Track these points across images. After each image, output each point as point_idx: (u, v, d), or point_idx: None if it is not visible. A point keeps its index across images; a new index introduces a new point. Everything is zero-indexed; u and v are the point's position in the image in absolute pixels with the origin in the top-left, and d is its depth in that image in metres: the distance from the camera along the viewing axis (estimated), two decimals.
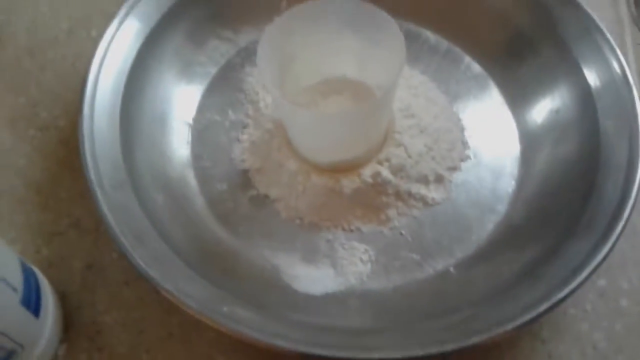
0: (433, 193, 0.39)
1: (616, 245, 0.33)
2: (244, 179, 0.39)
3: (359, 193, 0.37)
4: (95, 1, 0.47)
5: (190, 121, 0.41)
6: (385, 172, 0.37)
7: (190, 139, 0.41)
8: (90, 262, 0.36)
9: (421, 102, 0.41)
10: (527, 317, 0.31)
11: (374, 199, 0.38)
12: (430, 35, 0.44)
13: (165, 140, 0.39)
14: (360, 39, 0.36)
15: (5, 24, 0.46)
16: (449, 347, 0.30)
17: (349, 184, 0.37)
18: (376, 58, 0.37)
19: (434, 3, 0.44)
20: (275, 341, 0.30)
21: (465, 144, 0.41)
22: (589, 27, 0.39)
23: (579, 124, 0.38)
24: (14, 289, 0.29)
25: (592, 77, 0.38)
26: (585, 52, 0.39)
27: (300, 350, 0.30)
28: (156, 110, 0.40)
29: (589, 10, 0.40)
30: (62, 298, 0.35)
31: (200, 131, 0.41)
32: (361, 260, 0.36)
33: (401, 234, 0.37)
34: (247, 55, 0.44)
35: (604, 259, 0.32)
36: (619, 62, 0.38)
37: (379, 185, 0.37)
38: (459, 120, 0.41)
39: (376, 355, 0.29)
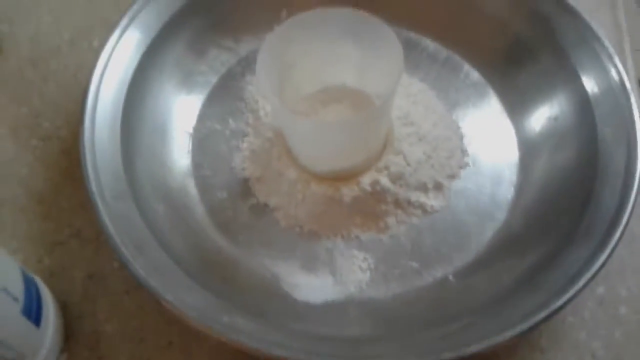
0: (432, 201, 0.39)
1: (615, 252, 0.33)
2: (244, 188, 0.40)
3: (358, 201, 0.37)
4: (97, 11, 0.48)
5: (191, 130, 0.42)
6: (384, 180, 0.37)
7: (190, 148, 0.41)
8: (91, 272, 0.37)
9: (420, 110, 0.41)
10: (526, 325, 0.31)
11: (373, 207, 0.38)
12: (429, 44, 0.45)
13: (165, 150, 0.40)
14: (359, 48, 0.37)
15: (8, 34, 0.46)
16: (447, 356, 0.30)
17: (348, 192, 0.37)
18: (375, 67, 0.37)
19: (433, 11, 0.44)
20: (275, 351, 0.30)
21: (464, 152, 0.41)
22: (587, 35, 0.39)
23: (577, 131, 0.38)
24: (15, 299, 0.29)
25: (590, 85, 0.38)
26: (583, 59, 0.39)
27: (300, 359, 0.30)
28: (157, 120, 0.40)
29: (587, 18, 0.40)
30: (63, 307, 0.35)
31: (201, 140, 0.41)
32: (360, 268, 0.37)
33: (400, 242, 0.38)
34: (248, 64, 0.44)
35: (602, 266, 0.32)
36: (617, 70, 0.38)
37: (378, 194, 0.38)
38: (458, 128, 0.42)
39: None
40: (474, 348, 0.30)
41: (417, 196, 0.38)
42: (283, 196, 0.39)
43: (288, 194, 0.38)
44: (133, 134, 0.38)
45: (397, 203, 0.38)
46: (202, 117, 0.42)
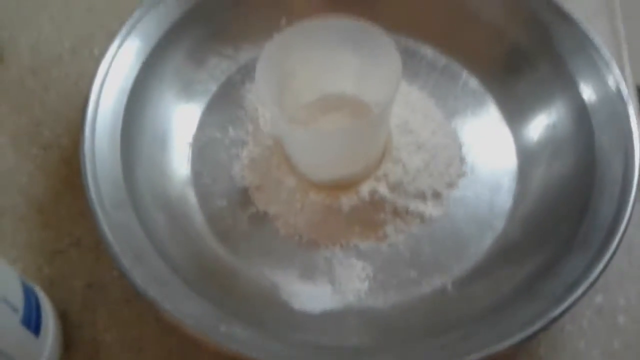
0: (430, 209, 0.39)
1: (613, 261, 0.33)
2: (244, 196, 0.40)
3: (356, 210, 0.38)
4: (98, 20, 0.48)
5: (191, 139, 0.42)
6: (383, 189, 0.38)
7: (190, 156, 0.41)
8: (91, 281, 0.37)
9: (419, 119, 0.41)
10: (524, 334, 0.31)
11: (371, 216, 0.38)
12: (428, 51, 0.45)
13: (165, 159, 0.40)
14: (358, 56, 0.37)
15: (9, 43, 0.47)
16: None
17: (347, 201, 0.38)
18: (374, 75, 0.37)
19: (431, 19, 0.45)
20: None
21: (462, 160, 0.41)
22: (585, 43, 0.40)
23: (575, 139, 0.38)
24: (15, 309, 0.30)
25: (587, 93, 0.38)
26: (581, 67, 0.39)
27: None
28: (157, 129, 0.40)
29: (585, 26, 0.40)
30: (63, 316, 0.35)
31: (201, 148, 0.41)
32: (359, 277, 0.37)
33: (399, 250, 0.38)
34: (248, 72, 0.44)
35: (600, 275, 0.32)
36: (614, 78, 0.38)
37: (376, 202, 0.38)
38: (457, 136, 0.42)
39: None
40: (473, 357, 0.30)
41: (415, 205, 0.38)
42: (282, 205, 0.39)
43: (287, 203, 0.39)
44: (133, 143, 0.38)
45: (396, 212, 0.38)
46: (202, 126, 0.42)
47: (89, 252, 0.38)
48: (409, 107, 0.41)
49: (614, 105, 0.37)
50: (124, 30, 0.40)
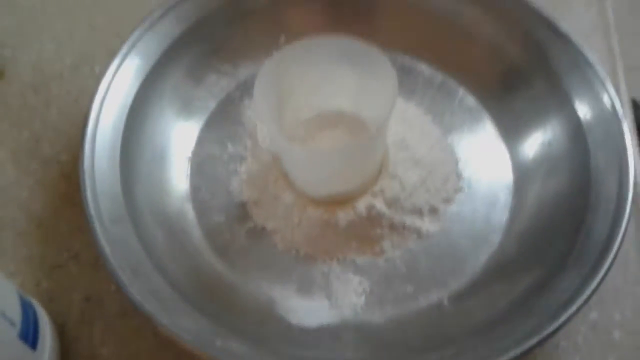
0: (427, 225, 0.39)
1: (608, 277, 0.33)
2: (242, 211, 0.40)
3: (353, 225, 0.38)
4: (99, 38, 0.48)
5: (190, 154, 0.42)
6: (380, 205, 0.38)
7: (189, 171, 0.41)
8: (89, 295, 0.37)
9: (415, 135, 0.41)
10: (519, 350, 0.31)
11: (368, 231, 0.38)
12: (424, 68, 0.45)
13: (164, 175, 0.40)
14: (355, 74, 0.37)
15: (11, 59, 0.47)
16: None
17: (344, 216, 0.38)
18: (371, 93, 0.37)
19: (428, 37, 0.45)
20: None
21: (459, 176, 0.41)
22: (580, 61, 0.40)
23: (570, 157, 0.38)
24: (12, 323, 0.30)
25: (582, 111, 0.39)
26: (576, 85, 0.40)
27: None
28: (156, 146, 0.40)
29: (580, 44, 0.40)
30: (60, 330, 0.35)
31: (200, 164, 0.42)
32: (356, 292, 0.37)
33: (396, 265, 0.38)
34: (247, 88, 0.45)
35: (594, 292, 0.32)
36: (609, 96, 0.38)
37: (373, 218, 0.38)
38: (453, 152, 0.42)
39: None
40: None
41: (412, 220, 0.39)
42: (280, 220, 0.39)
43: (285, 218, 0.39)
44: (132, 159, 0.38)
45: (393, 227, 0.38)
46: (200, 141, 0.43)
47: (88, 266, 0.38)
48: (406, 123, 0.42)
49: (609, 123, 0.38)
50: (124, 49, 0.40)
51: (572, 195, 0.37)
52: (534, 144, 0.41)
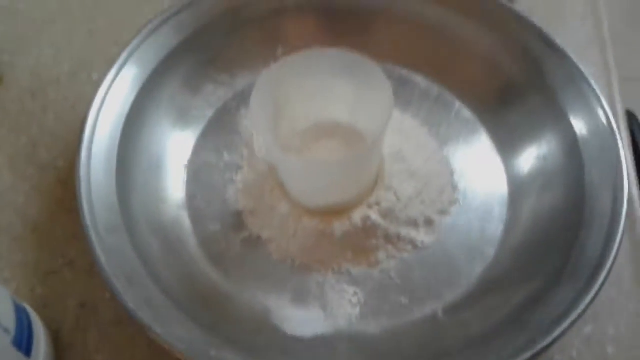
0: (422, 236, 0.39)
1: (603, 291, 0.33)
2: (237, 220, 0.40)
3: (349, 236, 0.38)
4: (97, 44, 0.49)
5: (186, 162, 0.42)
6: (375, 216, 0.38)
7: (185, 179, 0.41)
8: (84, 302, 0.37)
9: (412, 147, 0.42)
10: None
11: (363, 242, 0.38)
12: (421, 81, 0.46)
13: (160, 183, 0.40)
14: (351, 86, 0.38)
15: (9, 65, 0.47)
16: None
17: (339, 226, 0.38)
18: (366, 105, 0.38)
19: (425, 50, 0.45)
20: None
21: (454, 188, 0.41)
22: (575, 76, 0.40)
23: (565, 171, 0.39)
24: (6, 330, 0.30)
25: (578, 126, 0.39)
26: (571, 100, 0.40)
27: None
28: (152, 154, 0.41)
29: (575, 59, 0.41)
30: (55, 336, 0.35)
31: (196, 172, 0.42)
32: (351, 302, 0.37)
33: (390, 276, 0.38)
34: (244, 98, 0.45)
35: (588, 306, 0.33)
36: (604, 111, 0.39)
37: (368, 229, 0.38)
38: (449, 164, 0.42)
39: None
40: None
41: (407, 231, 0.39)
42: (275, 229, 0.39)
43: (280, 227, 0.39)
44: (129, 167, 0.38)
45: (388, 238, 0.38)
46: (197, 150, 0.43)
47: (83, 273, 0.38)
48: (403, 135, 0.42)
49: (604, 139, 0.38)
50: (122, 57, 0.40)
51: (566, 210, 0.37)
52: (529, 157, 0.41)
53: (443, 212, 0.40)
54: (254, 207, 0.40)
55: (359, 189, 0.38)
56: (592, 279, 0.33)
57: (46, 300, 0.37)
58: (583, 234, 0.35)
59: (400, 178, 0.40)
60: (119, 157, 0.38)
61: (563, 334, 0.32)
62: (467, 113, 0.44)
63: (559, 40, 0.42)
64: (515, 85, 0.43)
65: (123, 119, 0.39)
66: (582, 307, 0.33)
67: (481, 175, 0.42)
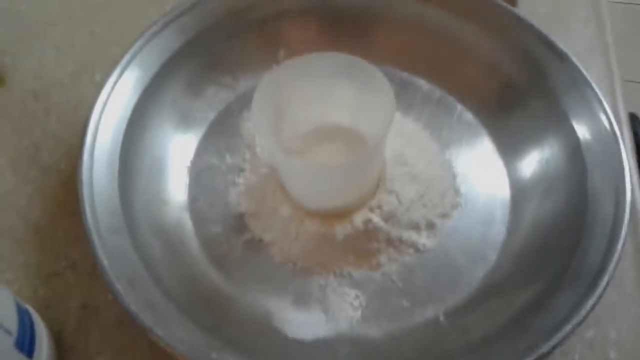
0: (424, 239, 0.39)
1: (605, 296, 0.33)
2: (239, 223, 0.40)
3: (350, 239, 0.38)
4: (100, 46, 0.49)
5: (189, 165, 0.42)
6: (377, 219, 0.38)
7: (188, 182, 0.41)
8: (86, 303, 0.37)
9: (414, 150, 0.42)
10: None
11: (365, 245, 0.38)
12: (423, 84, 0.46)
13: (163, 185, 0.40)
14: (353, 89, 0.38)
15: (12, 67, 0.47)
16: None
17: (341, 229, 0.38)
18: (368, 109, 0.38)
19: (427, 53, 0.45)
20: None
21: (456, 191, 0.41)
22: (578, 80, 0.40)
23: (567, 176, 0.39)
24: (8, 332, 0.30)
25: (580, 131, 0.39)
26: (574, 104, 0.40)
27: None
28: (155, 155, 0.41)
29: (578, 62, 0.41)
30: (57, 338, 0.35)
31: (198, 175, 0.42)
32: (352, 305, 0.37)
33: (392, 280, 0.38)
34: (246, 101, 0.45)
35: (590, 311, 0.33)
36: (607, 116, 0.38)
37: (370, 232, 0.38)
38: (451, 167, 0.42)
39: None
40: None
41: (409, 235, 0.39)
42: (277, 232, 0.39)
43: (282, 230, 0.39)
44: (131, 169, 0.38)
45: (389, 241, 0.38)
46: (199, 152, 0.43)
47: (85, 274, 0.38)
48: (405, 138, 0.42)
49: (607, 143, 0.38)
50: (124, 59, 0.41)
51: (568, 214, 0.37)
52: (531, 161, 0.41)
53: (445, 215, 0.40)
54: (256, 210, 0.40)
55: (360, 192, 0.38)
56: (593, 283, 0.33)
57: (48, 302, 0.37)
58: (585, 238, 0.35)
59: (402, 181, 0.40)
60: (121, 160, 0.38)
61: (565, 338, 0.32)
62: (469, 116, 0.44)
63: (561, 44, 0.42)
64: (517, 89, 0.43)
65: (125, 122, 0.39)
66: (583, 311, 0.33)
67: (483, 178, 0.42)
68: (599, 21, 0.51)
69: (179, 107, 0.43)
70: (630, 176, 0.36)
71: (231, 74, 0.45)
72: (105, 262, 0.33)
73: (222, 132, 0.44)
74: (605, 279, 0.33)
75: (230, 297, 0.37)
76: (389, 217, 0.38)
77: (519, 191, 0.41)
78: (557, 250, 0.36)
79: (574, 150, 0.39)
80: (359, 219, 0.38)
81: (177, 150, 0.42)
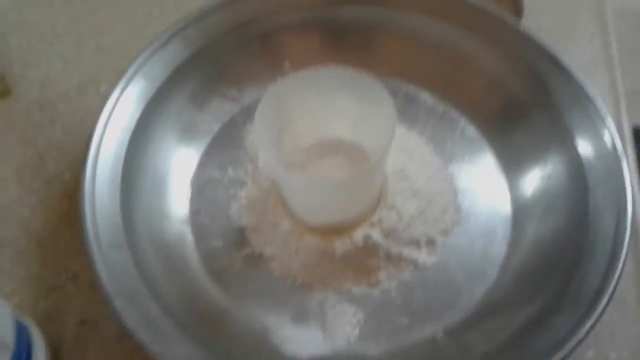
0: (424, 256, 0.39)
1: (605, 315, 0.33)
2: (240, 237, 0.40)
3: (350, 255, 0.38)
4: (106, 58, 0.49)
5: (191, 177, 0.42)
6: (376, 235, 0.38)
7: (190, 194, 0.42)
8: (84, 317, 0.37)
9: (416, 165, 0.41)
10: None
11: (365, 261, 0.38)
12: (427, 98, 0.45)
13: (165, 198, 0.40)
14: (355, 103, 0.37)
15: (20, 77, 0.48)
16: None
17: (340, 245, 0.38)
18: (370, 124, 0.38)
19: (432, 67, 0.45)
20: None
21: (458, 207, 0.41)
22: (581, 96, 0.40)
23: (569, 194, 0.38)
24: (6, 346, 0.30)
25: (583, 148, 0.39)
26: (577, 121, 0.40)
27: None
28: (157, 169, 0.41)
29: (581, 78, 0.40)
30: (55, 352, 0.36)
31: (200, 187, 0.42)
32: (350, 323, 0.37)
33: (391, 296, 0.38)
34: (250, 113, 0.45)
35: (589, 331, 0.32)
36: (610, 134, 0.38)
37: (370, 248, 0.38)
38: (453, 182, 0.42)
39: None
40: None
41: (409, 251, 0.39)
42: (277, 247, 0.39)
43: (282, 245, 0.39)
44: (133, 184, 0.38)
45: (389, 258, 0.38)
46: (202, 165, 0.43)
47: (85, 288, 0.38)
48: (407, 153, 0.42)
49: (609, 161, 0.37)
50: (129, 72, 0.41)
51: (570, 233, 0.37)
52: (533, 178, 0.41)
53: (445, 232, 0.40)
54: (257, 224, 0.40)
55: (361, 207, 0.38)
56: (593, 303, 0.33)
57: (48, 315, 0.37)
58: (586, 257, 0.35)
59: (403, 197, 0.39)
60: (123, 174, 0.38)
61: (565, 358, 0.32)
62: (472, 131, 0.44)
63: (566, 59, 0.41)
64: (520, 104, 0.42)
65: (129, 135, 0.39)
66: (583, 332, 0.32)
67: (485, 194, 0.42)
68: (604, 35, 0.51)
69: (183, 120, 0.43)
70: (632, 195, 0.36)
71: (236, 86, 0.45)
72: (104, 277, 0.33)
73: (225, 145, 0.44)
74: (606, 298, 0.33)
75: (229, 312, 0.37)
76: (389, 233, 0.38)
77: (521, 208, 0.40)
78: (558, 269, 0.36)
79: (577, 167, 0.38)
80: (359, 234, 0.38)
81: (180, 163, 0.42)
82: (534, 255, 0.38)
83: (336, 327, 0.36)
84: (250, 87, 0.45)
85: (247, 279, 0.38)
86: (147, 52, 0.42)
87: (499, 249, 0.39)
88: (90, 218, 0.35)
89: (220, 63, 0.45)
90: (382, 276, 0.38)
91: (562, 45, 0.43)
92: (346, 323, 0.37)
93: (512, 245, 0.39)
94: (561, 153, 0.40)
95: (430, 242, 0.39)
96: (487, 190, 0.42)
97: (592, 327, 0.32)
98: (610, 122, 0.39)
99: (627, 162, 0.37)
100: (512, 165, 0.42)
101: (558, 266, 0.36)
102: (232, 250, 0.40)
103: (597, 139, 0.39)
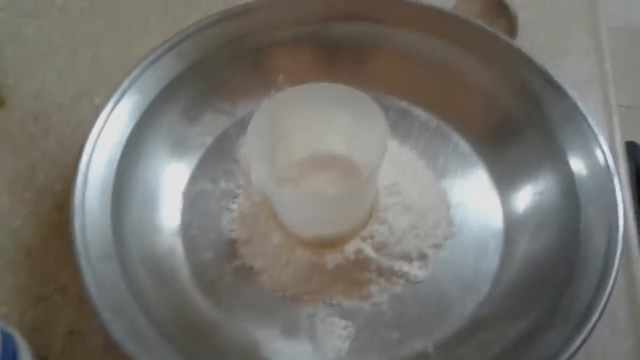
0: (416, 270, 0.39)
1: (596, 330, 0.33)
2: (231, 249, 0.40)
3: (341, 268, 0.38)
4: (101, 70, 0.49)
5: (183, 189, 0.42)
6: (368, 249, 0.38)
7: (181, 206, 0.42)
8: (72, 329, 0.37)
9: (408, 179, 0.41)
10: None
11: (356, 275, 0.38)
12: (420, 113, 0.46)
13: (156, 209, 0.40)
14: (348, 119, 0.38)
15: (14, 88, 0.48)
16: None
17: (332, 259, 0.38)
18: (362, 138, 0.38)
19: (425, 83, 0.45)
20: None
21: (450, 222, 0.41)
22: (574, 114, 0.40)
23: (561, 211, 0.38)
24: None
25: (575, 166, 0.39)
26: (570, 139, 0.40)
27: None
28: (148, 183, 0.41)
29: (574, 96, 0.41)
30: None
31: (192, 199, 0.42)
32: (340, 336, 0.37)
33: (382, 310, 0.38)
34: (243, 126, 0.44)
35: (580, 347, 0.32)
36: (602, 152, 0.38)
37: (361, 262, 0.38)
38: (445, 197, 0.42)
39: None
40: None
41: (400, 265, 0.38)
42: (268, 259, 0.39)
43: (273, 258, 0.39)
44: (124, 196, 0.38)
45: (380, 272, 0.38)
46: (195, 177, 0.43)
47: (74, 300, 0.38)
48: (399, 167, 0.42)
49: (601, 179, 0.38)
50: (123, 85, 0.41)
51: (561, 249, 0.37)
52: (525, 194, 0.41)
53: (437, 246, 0.40)
54: (248, 236, 0.40)
55: (352, 221, 0.38)
56: (584, 319, 0.33)
57: (35, 326, 0.37)
58: (577, 273, 0.35)
59: (395, 211, 0.39)
60: (114, 187, 0.38)
61: None
62: (465, 146, 0.44)
63: (559, 75, 0.42)
64: (513, 121, 0.43)
65: (121, 148, 0.39)
66: (574, 347, 0.32)
67: (477, 209, 0.41)
68: (598, 51, 0.51)
69: (176, 134, 0.43)
70: (624, 212, 0.36)
71: (230, 100, 0.45)
72: (92, 289, 0.33)
73: (218, 158, 0.44)
74: (597, 314, 0.33)
75: (219, 325, 0.37)
76: (380, 248, 0.38)
77: (513, 224, 0.40)
78: (549, 284, 0.36)
79: (569, 185, 0.39)
80: (350, 248, 0.38)
81: (172, 176, 0.42)
82: (525, 270, 0.38)
83: (326, 341, 0.36)
84: (244, 101, 0.46)
85: (237, 292, 0.38)
86: (142, 65, 0.42)
87: (491, 264, 0.39)
88: (79, 230, 0.35)
89: (214, 77, 0.45)
90: (373, 290, 0.38)
91: (557, 62, 0.43)
92: (336, 337, 0.36)
93: (504, 260, 0.39)
94: (554, 170, 0.40)
95: (422, 257, 0.39)
96: (479, 206, 0.42)
97: (583, 342, 0.32)
98: (602, 139, 0.39)
99: (619, 179, 0.38)
100: (504, 181, 0.42)
101: (550, 282, 0.36)
102: (223, 262, 0.39)
103: (589, 156, 0.39)
